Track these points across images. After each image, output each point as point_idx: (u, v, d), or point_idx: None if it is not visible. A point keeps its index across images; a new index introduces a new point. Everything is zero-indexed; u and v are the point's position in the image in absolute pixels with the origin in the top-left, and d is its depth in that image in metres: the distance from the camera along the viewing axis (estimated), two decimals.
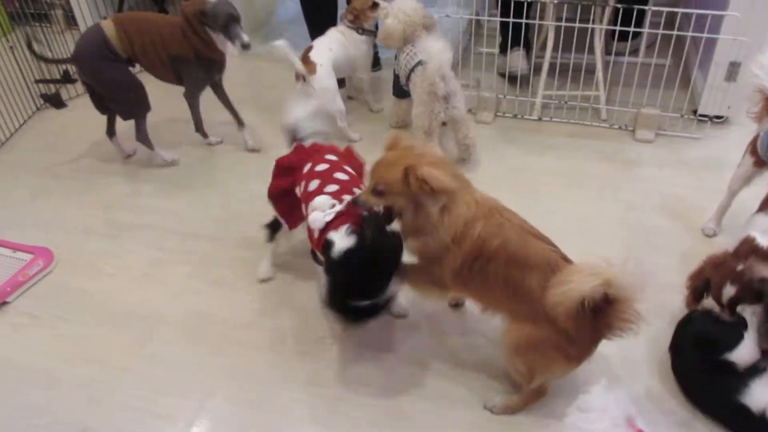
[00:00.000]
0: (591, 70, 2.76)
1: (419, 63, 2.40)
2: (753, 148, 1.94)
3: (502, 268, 1.51)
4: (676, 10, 2.47)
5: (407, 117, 2.74)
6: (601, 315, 1.39)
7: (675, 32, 2.51)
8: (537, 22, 2.70)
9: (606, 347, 1.78)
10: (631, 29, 2.57)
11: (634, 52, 2.98)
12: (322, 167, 1.79)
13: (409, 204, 1.53)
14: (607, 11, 2.63)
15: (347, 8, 2.77)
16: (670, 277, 1.98)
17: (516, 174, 2.52)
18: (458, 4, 2.85)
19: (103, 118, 2.76)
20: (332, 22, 3.03)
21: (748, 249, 1.67)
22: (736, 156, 2.44)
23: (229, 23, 2.27)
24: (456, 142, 2.55)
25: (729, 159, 2.46)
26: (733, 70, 2.50)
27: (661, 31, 2.50)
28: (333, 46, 2.71)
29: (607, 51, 2.89)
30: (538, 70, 2.87)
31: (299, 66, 2.51)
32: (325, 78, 2.60)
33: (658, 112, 2.62)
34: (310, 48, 2.68)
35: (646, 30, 2.59)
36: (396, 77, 2.64)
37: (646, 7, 2.59)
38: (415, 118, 2.42)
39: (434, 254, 1.58)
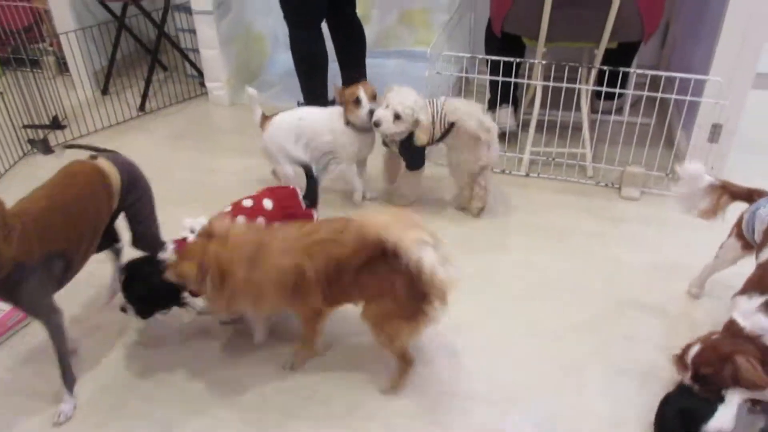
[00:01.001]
0: (578, 128, 2.82)
1: (453, 124, 2.43)
2: (738, 231, 1.93)
3: (344, 276, 1.71)
4: (660, 73, 2.54)
5: (418, 190, 2.67)
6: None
7: (659, 94, 2.57)
8: (525, 81, 2.76)
9: (597, 409, 1.79)
10: (617, 90, 2.64)
11: (619, 110, 3.05)
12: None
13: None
14: (593, 72, 2.71)
15: (339, 90, 2.57)
16: (658, 339, 1.98)
17: (505, 230, 2.53)
18: (448, 61, 2.91)
19: None
20: (323, 78, 3.06)
21: (732, 331, 1.64)
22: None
23: None
24: (472, 191, 2.56)
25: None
26: (715, 132, 2.56)
27: (645, 93, 2.56)
28: (311, 119, 2.57)
29: (594, 109, 2.96)
30: (525, 126, 2.92)
31: (255, 116, 2.58)
32: (270, 137, 2.54)
33: (643, 171, 2.67)
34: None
35: (630, 92, 2.65)
36: (411, 150, 2.50)
37: (630, 70, 2.66)
38: (463, 163, 2.47)
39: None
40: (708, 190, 1.97)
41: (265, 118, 2.57)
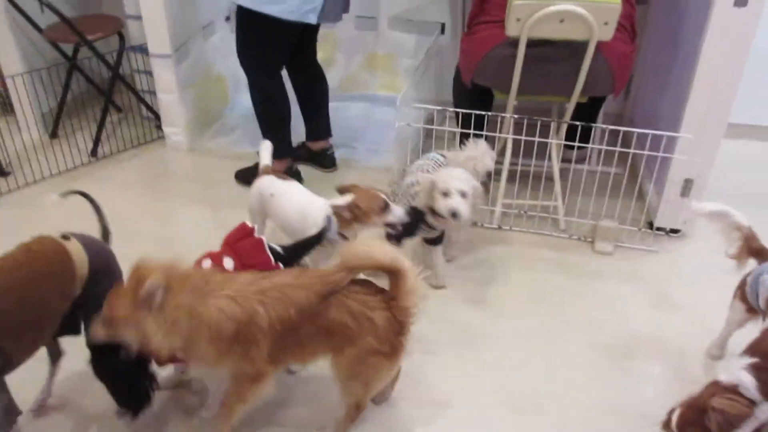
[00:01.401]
0: (550, 177, 2.77)
1: None
2: (742, 294, 1.89)
3: (307, 324, 1.58)
4: (633, 130, 2.53)
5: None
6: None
7: (631, 150, 2.56)
8: (497, 135, 2.71)
9: None
10: (589, 145, 2.62)
11: (586, 158, 3.04)
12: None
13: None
14: (563, 126, 2.68)
15: (347, 203, 2.03)
16: (646, 409, 1.91)
17: (479, 288, 2.45)
18: (417, 111, 2.85)
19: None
20: (286, 125, 2.95)
21: (709, 387, 1.60)
22: (692, 270, 2.52)
23: None
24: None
25: (686, 273, 2.55)
26: (687, 186, 2.56)
27: (618, 149, 2.54)
28: (282, 201, 2.24)
29: (565, 158, 2.94)
30: (497, 174, 2.86)
31: (261, 164, 2.39)
32: (250, 194, 2.35)
33: (617, 225, 2.63)
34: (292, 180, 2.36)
35: (603, 147, 2.62)
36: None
37: (603, 126, 2.64)
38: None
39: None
40: (737, 233, 1.93)
41: (263, 172, 2.36)
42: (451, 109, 2.75)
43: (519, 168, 2.81)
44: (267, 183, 2.32)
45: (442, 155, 2.46)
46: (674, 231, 2.68)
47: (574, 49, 2.41)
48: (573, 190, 2.78)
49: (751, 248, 1.90)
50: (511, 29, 2.36)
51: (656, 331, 2.24)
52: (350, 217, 2.04)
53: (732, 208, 1.95)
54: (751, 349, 1.63)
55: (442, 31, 3.52)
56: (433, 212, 2.19)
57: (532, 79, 2.52)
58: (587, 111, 2.80)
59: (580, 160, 3.03)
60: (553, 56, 2.47)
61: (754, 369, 1.55)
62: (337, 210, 2.04)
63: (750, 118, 3.26)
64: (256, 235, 1.90)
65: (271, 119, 2.92)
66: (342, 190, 2.12)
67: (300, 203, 2.20)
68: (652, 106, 3.08)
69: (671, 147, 2.50)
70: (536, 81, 2.54)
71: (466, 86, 2.77)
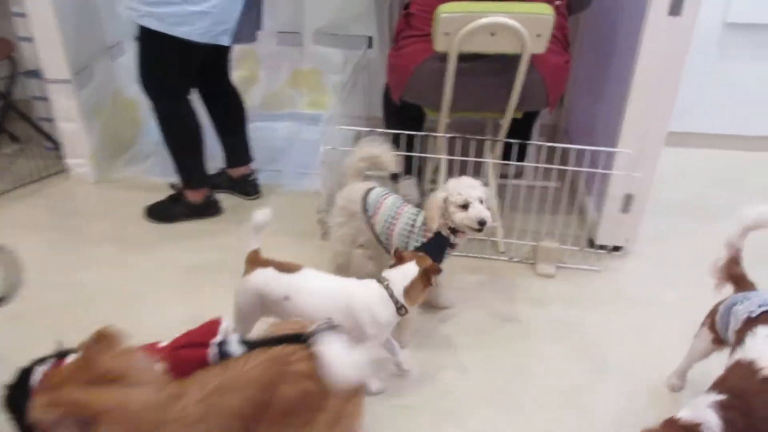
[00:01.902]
0: None
1: None
2: (711, 323, 1.75)
3: (260, 422, 1.34)
4: (570, 146, 2.42)
5: None
6: None
7: (570, 168, 2.44)
8: (429, 155, 2.55)
9: None
10: (536, 165, 2.50)
11: (521, 173, 2.92)
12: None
13: None
14: (499, 145, 2.55)
15: (424, 275, 1.82)
16: None
17: (418, 324, 2.27)
18: (344, 133, 2.66)
19: None
20: (199, 153, 2.70)
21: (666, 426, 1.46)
22: (636, 288, 2.45)
23: None
24: None
25: (630, 292, 2.45)
26: (627, 202, 2.46)
27: (556, 167, 2.42)
28: (303, 299, 1.78)
29: (502, 173, 2.81)
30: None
31: (251, 248, 1.87)
32: (241, 290, 1.84)
33: (558, 245, 2.51)
34: (300, 268, 1.86)
35: (543, 165, 2.49)
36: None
37: (541, 143, 2.52)
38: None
39: None
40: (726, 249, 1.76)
41: (253, 262, 1.84)
42: (380, 130, 2.57)
43: None
44: (270, 282, 1.80)
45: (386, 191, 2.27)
46: (616, 248, 2.58)
47: (507, 62, 2.27)
48: (511, 207, 2.65)
49: (730, 272, 1.75)
50: (440, 44, 2.21)
51: (605, 360, 2.11)
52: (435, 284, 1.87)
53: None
54: (719, 386, 1.50)
55: (370, 44, 3.36)
56: (453, 231, 2.06)
57: (464, 96, 2.37)
58: (522, 126, 2.68)
59: (518, 174, 2.92)
60: (485, 71, 2.33)
61: (721, 408, 1.42)
62: (416, 285, 1.81)
63: (688, 126, 3.23)
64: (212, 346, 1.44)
65: (181, 148, 2.67)
66: (396, 260, 1.88)
67: (332, 293, 1.81)
68: (587, 117, 2.99)
69: (610, 161, 2.40)
70: (468, 97, 2.39)
71: (395, 104, 2.60)
